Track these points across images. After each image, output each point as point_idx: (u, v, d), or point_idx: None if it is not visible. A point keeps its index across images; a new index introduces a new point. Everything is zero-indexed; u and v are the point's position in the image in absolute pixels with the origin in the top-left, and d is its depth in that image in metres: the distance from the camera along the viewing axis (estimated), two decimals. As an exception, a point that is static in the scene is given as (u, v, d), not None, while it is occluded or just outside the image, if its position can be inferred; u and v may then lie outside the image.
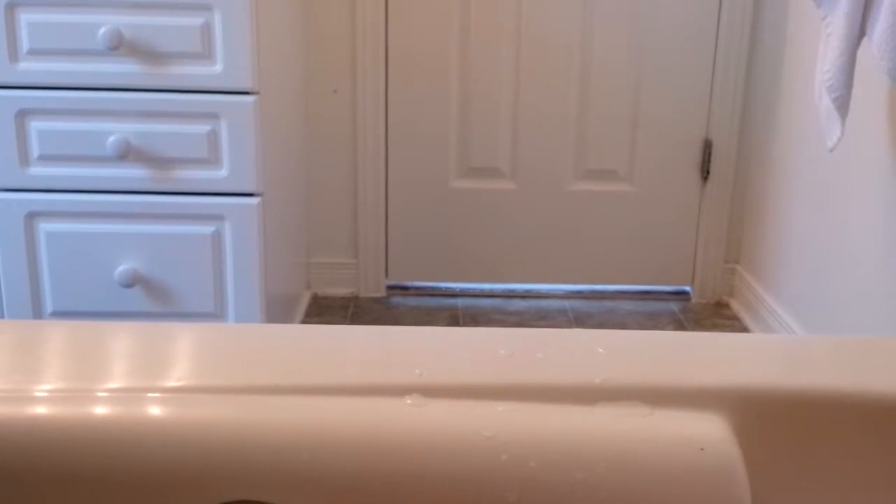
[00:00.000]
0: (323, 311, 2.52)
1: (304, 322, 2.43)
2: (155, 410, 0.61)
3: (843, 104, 1.62)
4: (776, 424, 0.62)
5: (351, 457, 0.58)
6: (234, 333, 0.70)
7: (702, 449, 0.58)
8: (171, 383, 0.63)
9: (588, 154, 2.56)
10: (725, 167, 2.55)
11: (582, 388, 0.62)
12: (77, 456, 0.59)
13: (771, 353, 0.69)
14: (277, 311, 2.11)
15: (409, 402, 0.61)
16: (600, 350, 0.67)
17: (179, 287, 1.92)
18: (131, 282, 1.90)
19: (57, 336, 0.73)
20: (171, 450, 0.59)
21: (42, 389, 0.63)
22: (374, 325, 0.71)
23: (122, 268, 1.90)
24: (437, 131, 2.52)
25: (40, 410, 0.61)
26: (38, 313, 1.93)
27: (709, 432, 0.59)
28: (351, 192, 2.54)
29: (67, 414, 0.61)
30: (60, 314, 1.93)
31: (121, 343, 0.70)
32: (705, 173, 2.56)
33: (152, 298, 1.92)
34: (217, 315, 1.94)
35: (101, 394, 0.62)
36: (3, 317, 1.93)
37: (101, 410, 0.61)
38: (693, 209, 2.59)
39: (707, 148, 2.54)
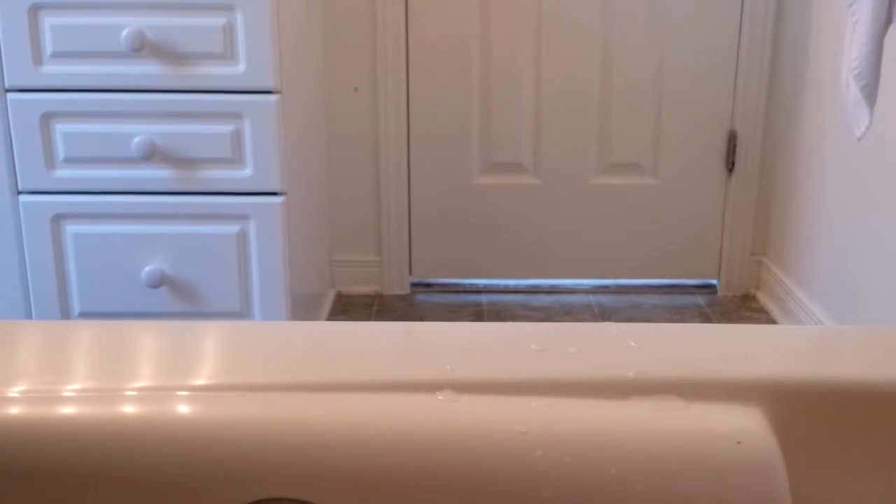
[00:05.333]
0: (347, 308, 2.52)
1: (329, 319, 2.43)
2: (184, 409, 0.60)
3: (870, 92, 1.60)
4: (813, 416, 0.62)
5: (383, 453, 0.58)
6: (261, 330, 0.70)
7: (739, 442, 0.57)
8: (200, 381, 0.63)
9: (611, 147, 2.54)
10: (751, 158, 2.53)
11: (615, 383, 0.62)
12: (106, 455, 0.59)
13: (805, 345, 0.68)
14: (302, 310, 2.12)
15: (440, 397, 0.60)
16: (633, 343, 0.66)
17: (205, 287, 1.93)
18: (158, 282, 1.91)
19: (84, 336, 0.73)
20: (202, 448, 0.59)
21: (70, 389, 0.63)
22: (400, 322, 0.71)
23: (148, 268, 1.91)
24: (459, 127, 2.52)
25: (69, 410, 0.61)
26: (65, 315, 1.94)
27: (746, 425, 0.58)
28: (373, 189, 2.54)
29: (96, 414, 0.61)
30: (88, 315, 1.94)
31: (148, 342, 0.70)
32: (730, 165, 2.54)
33: (179, 298, 1.93)
34: (243, 314, 1.94)
35: (129, 393, 0.62)
36: (31, 317, 1.95)
37: (129, 410, 0.61)
38: (718, 201, 2.57)
39: (732, 139, 2.52)
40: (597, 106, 2.51)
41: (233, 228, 1.90)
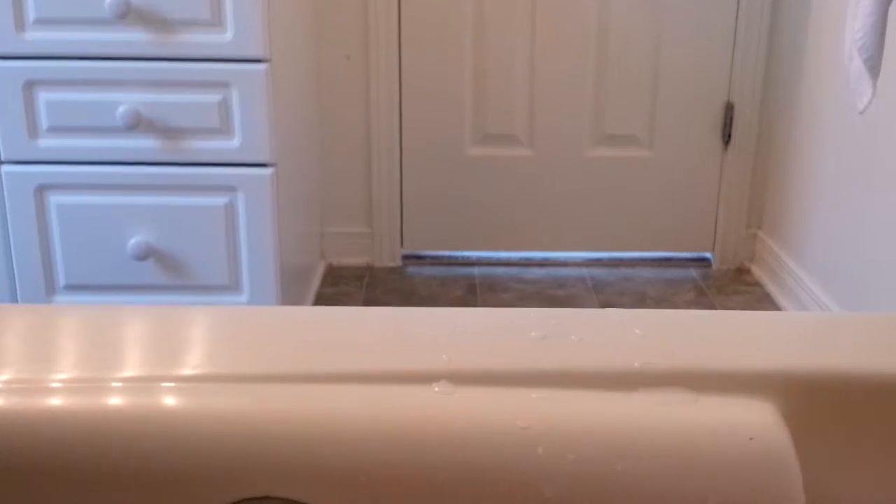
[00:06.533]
0: (338, 281, 2.48)
1: (319, 292, 2.40)
2: (170, 401, 0.57)
3: (874, 65, 1.56)
4: (826, 409, 0.59)
5: (376, 450, 0.55)
6: (247, 317, 0.67)
7: (751, 438, 0.54)
8: (185, 371, 0.60)
9: (606, 119, 2.50)
10: (747, 131, 2.49)
11: (621, 373, 0.59)
12: (89, 449, 0.56)
13: (818, 333, 0.65)
14: (292, 282, 2.08)
15: (436, 389, 0.57)
16: (637, 331, 0.63)
17: (193, 259, 1.89)
18: (144, 255, 1.87)
19: (68, 322, 0.70)
20: (185, 442, 0.56)
21: (54, 379, 0.60)
22: (396, 307, 0.67)
23: (134, 240, 1.87)
24: (452, 97, 2.47)
25: (52, 402, 0.58)
26: (50, 287, 1.90)
27: (758, 420, 0.55)
28: (365, 160, 2.50)
29: (80, 405, 0.58)
30: (73, 288, 1.91)
31: (133, 328, 0.66)
32: (727, 137, 2.50)
33: (166, 271, 1.89)
34: (231, 287, 1.91)
35: (114, 384, 0.58)
36: (15, 291, 1.91)
37: (114, 401, 0.58)
38: (714, 174, 2.54)
39: (728, 111, 2.48)
40: (592, 77, 2.47)
41: (221, 200, 1.86)
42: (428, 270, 2.57)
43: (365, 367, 0.58)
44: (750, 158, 2.51)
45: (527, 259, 2.61)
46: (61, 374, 0.60)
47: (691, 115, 2.50)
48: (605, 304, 2.36)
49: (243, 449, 0.55)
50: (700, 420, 0.56)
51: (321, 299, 2.37)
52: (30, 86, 1.79)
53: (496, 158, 2.52)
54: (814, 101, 2.22)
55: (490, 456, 0.53)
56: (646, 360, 0.59)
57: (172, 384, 0.58)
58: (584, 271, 2.57)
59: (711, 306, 2.37)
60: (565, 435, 0.54)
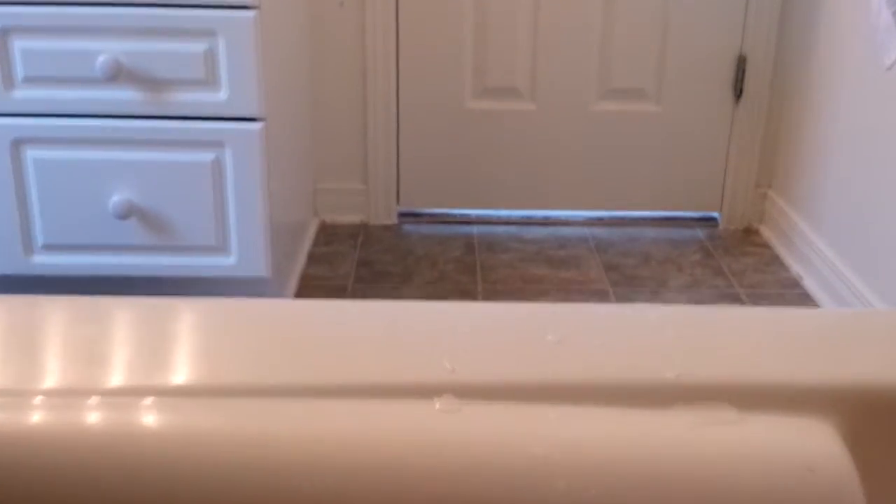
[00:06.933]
0: (331, 239, 2.39)
1: (312, 251, 2.31)
2: (144, 418, 0.49)
3: (905, 18, 1.46)
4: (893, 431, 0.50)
5: (368, 476, 0.46)
6: (229, 312, 0.58)
7: (811, 470, 0.46)
8: (165, 383, 0.51)
9: (612, 72, 2.39)
10: (760, 85, 2.38)
11: (653, 387, 0.50)
12: (67, 469, 0.48)
13: (885, 335, 0.56)
14: (283, 241, 1.99)
15: (438, 406, 0.49)
16: (670, 332, 0.54)
17: (178, 218, 1.80)
18: (126, 213, 1.78)
19: (45, 320, 0.60)
20: (157, 464, 0.47)
21: (29, 391, 0.51)
22: (389, 301, 0.58)
23: (116, 198, 1.77)
24: (452, 48, 2.36)
25: (28, 418, 0.50)
26: (28, 248, 1.81)
27: (818, 447, 0.47)
28: (360, 113, 2.39)
29: (58, 422, 0.49)
30: (52, 248, 1.81)
31: (111, 332, 0.57)
32: (738, 91, 2.39)
33: (149, 231, 1.80)
34: (218, 248, 1.82)
35: (90, 400, 0.50)
36: (-8, 250, 1.82)
37: (91, 419, 0.49)
38: (724, 130, 2.44)
39: (741, 64, 2.37)
40: (599, 27, 2.35)
41: (207, 156, 1.76)
42: (425, 229, 2.48)
43: (353, 378, 0.49)
44: (762, 114, 2.41)
45: (527, 218, 2.51)
46: (36, 385, 0.51)
47: (702, 67, 2.38)
48: (608, 266, 2.27)
49: (218, 473, 0.47)
50: (748, 445, 0.47)
51: (313, 259, 2.28)
52: (4, 33, 1.68)
53: (497, 113, 2.42)
54: (831, 54, 2.11)
55: (501, 491, 0.45)
56: (682, 370, 0.51)
57: (149, 400, 0.49)
58: (587, 231, 2.48)
59: (718, 268, 2.28)
60: (590, 465, 0.46)
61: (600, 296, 2.13)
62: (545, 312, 0.56)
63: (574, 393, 0.49)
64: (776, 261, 2.34)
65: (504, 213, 2.52)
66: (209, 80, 1.71)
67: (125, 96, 1.72)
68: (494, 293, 2.13)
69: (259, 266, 1.83)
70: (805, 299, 2.13)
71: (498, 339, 0.54)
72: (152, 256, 1.81)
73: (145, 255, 1.81)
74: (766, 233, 2.46)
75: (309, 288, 2.12)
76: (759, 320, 0.56)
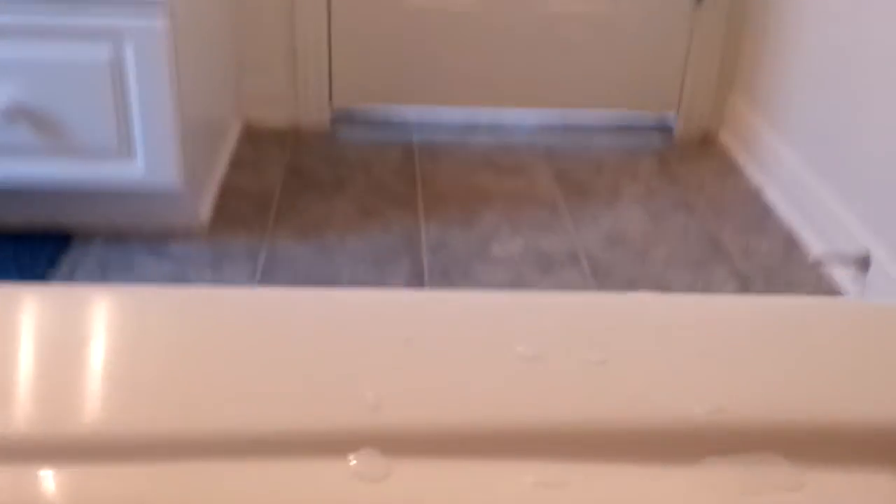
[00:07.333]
0: (257, 144, 2.18)
1: (235, 157, 2.09)
2: None
3: None
4: None
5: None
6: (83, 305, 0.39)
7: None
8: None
9: (566, -38, 2.18)
10: (725, -21, 2.19)
11: (675, 430, 0.33)
12: None
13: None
14: (199, 146, 1.78)
15: (353, 463, 0.32)
16: (693, 338, 0.37)
17: (75, 121, 1.58)
18: (13, 116, 1.55)
19: None
20: None
21: None
22: (293, 288, 0.40)
23: (1, 99, 1.54)
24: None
25: None
26: None
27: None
28: (287, 3, 2.15)
29: None
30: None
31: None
32: (701, -14, 2.20)
33: (43, 134, 1.58)
34: (121, 152, 1.61)
35: None
36: None
37: None
38: (683, 31, 2.25)
39: (705, -44, 2.18)
40: None
41: (104, 51, 1.53)
42: (360, 134, 2.27)
43: (239, 425, 0.32)
44: (723, 12, 2.23)
45: (472, 125, 2.32)
46: None
47: (662, -41, 2.18)
48: (558, 175, 2.11)
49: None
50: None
51: (236, 166, 2.07)
52: None
53: (439, 11, 2.19)
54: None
55: None
56: (714, 404, 0.34)
57: None
58: (536, 138, 2.30)
59: (674, 177, 2.13)
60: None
61: (550, 208, 1.96)
62: (512, 305, 0.39)
63: (559, 444, 0.33)
64: (735, 170, 2.19)
65: (447, 116, 2.32)
66: (105, -39, 1.47)
67: (6, -23, 1.47)
68: (435, 205, 1.95)
69: (169, 172, 1.63)
70: (767, 212, 2.00)
71: (446, 349, 0.36)
72: (46, 161, 1.59)
73: (38, 158, 1.59)
74: (726, 138, 2.31)
75: (230, 199, 1.92)
76: (813, 315, 0.39)
